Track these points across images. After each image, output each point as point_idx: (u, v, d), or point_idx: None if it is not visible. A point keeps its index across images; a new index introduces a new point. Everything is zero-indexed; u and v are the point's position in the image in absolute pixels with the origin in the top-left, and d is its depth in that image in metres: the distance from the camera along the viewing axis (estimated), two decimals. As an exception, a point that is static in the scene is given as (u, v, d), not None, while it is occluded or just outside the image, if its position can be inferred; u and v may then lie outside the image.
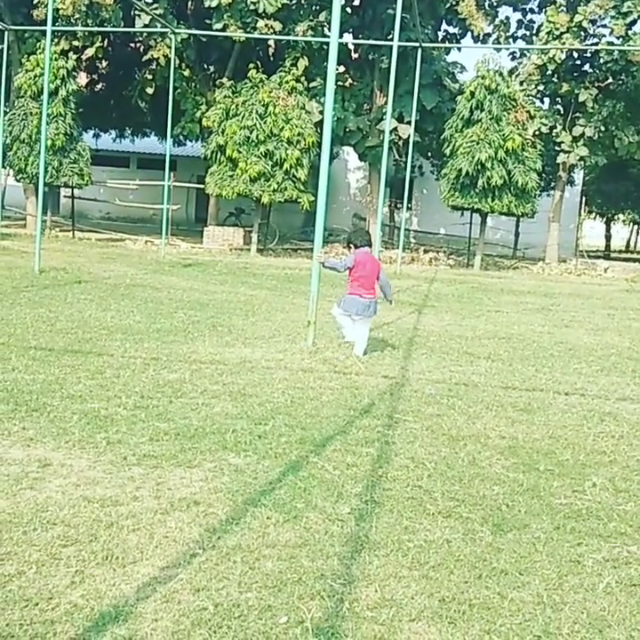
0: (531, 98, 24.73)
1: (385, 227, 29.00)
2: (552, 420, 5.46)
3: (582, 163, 26.50)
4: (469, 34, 25.92)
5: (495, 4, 27.04)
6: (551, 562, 3.17)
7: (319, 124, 19.98)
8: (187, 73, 24.43)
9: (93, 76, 30.29)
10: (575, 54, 25.12)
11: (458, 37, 27.52)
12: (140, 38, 24.75)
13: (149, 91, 24.84)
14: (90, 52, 23.61)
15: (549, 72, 24.83)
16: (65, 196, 29.92)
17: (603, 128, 24.76)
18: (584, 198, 35.54)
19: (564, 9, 24.21)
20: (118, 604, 2.62)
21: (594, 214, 51.17)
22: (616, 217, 53.44)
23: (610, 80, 24.75)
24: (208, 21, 22.95)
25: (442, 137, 22.65)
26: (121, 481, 3.75)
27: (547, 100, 26.99)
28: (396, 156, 26.08)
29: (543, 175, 25.60)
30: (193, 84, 25.11)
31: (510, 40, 27.67)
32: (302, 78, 22.29)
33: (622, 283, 21.18)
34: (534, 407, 5.81)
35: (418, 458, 4.38)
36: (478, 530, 3.43)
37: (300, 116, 21.43)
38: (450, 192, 22.09)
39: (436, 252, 26.15)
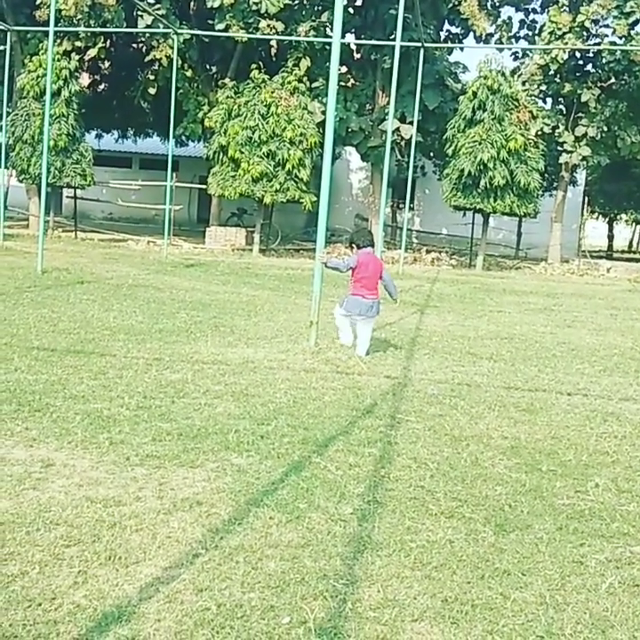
0: (533, 98, 24.69)
1: (387, 227, 28.99)
2: (555, 421, 5.45)
3: (585, 163, 26.48)
4: (472, 34, 25.90)
5: (497, 3, 27.03)
6: (554, 562, 3.17)
7: (321, 125, 19.99)
8: (189, 73, 24.44)
9: (96, 77, 30.32)
10: (578, 54, 25.09)
11: (460, 37, 27.50)
12: (143, 39, 24.77)
13: (152, 91, 24.87)
14: (92, 52, 23.65)
15: (552, 72, 24.81)
16: (67, 197, 29.96)
17: (605, 128, 24.72)
18: (586, 198, 35.48)
19: (567, 9, 24.17)
20: (121, 605, 2.62)
21: (596, 214, 51.10)
22: (619, 217, 53.37)
23: (612, 80, 24.71)
24: (210, 22, 22.96)
25: (444, 137, 22.64)
26: (124, 481, 3.75)
27: (549, 100, 26.96)
28: (399, 157, 26.09)
29: (546, 175, 25.57)
30: (195, 85, 25.12)
31: (513, 40, 27.64)
32: (304, 78, 22.30)
33: (625, 283, 21.15)
34: (537, 407, 5.81)
35: (420, 458, 4.38)
36: (481, 530, 3.43)
37: (302, 116, 21.43)
38: (452, 192, 22.07)
39: (439, 253, 26.14)
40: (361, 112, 25.16)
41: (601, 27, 24.48)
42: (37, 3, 22.07)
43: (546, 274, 23.24)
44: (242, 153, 21.18)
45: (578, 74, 25.37)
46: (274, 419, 4.98)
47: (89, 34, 22.86)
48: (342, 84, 23.93)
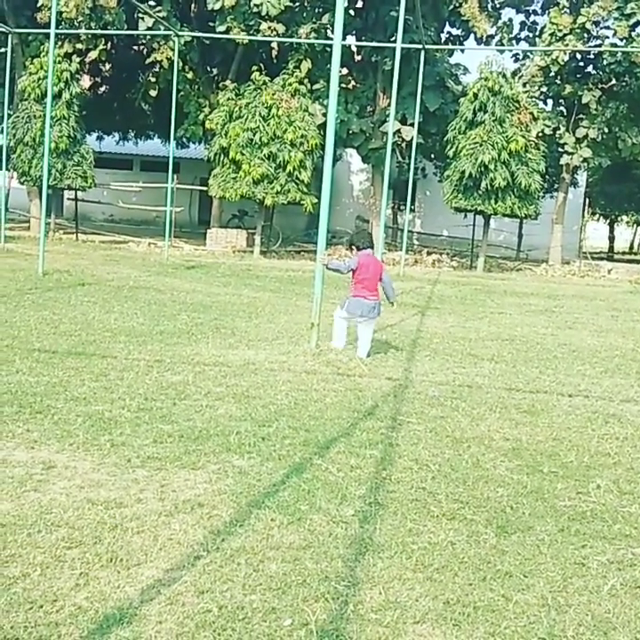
0: (534, 99, 24.68)
1: (388, 229, 28.97)
2: (556, 422, 5.45)
3: (586, 164, 26.46)
4: (472, 35, 25.93)
5: (498, 5, 27.03)
6: (556, 564, 3.17)
7: (322, 127, 19.98)
8: (190, 75, 24.46)
9: (97, 79, 30.34)
10: (578, 56, 25.08)
11: (461, 39, 27.52)
12: (144, 41, 24.78)
13: (152, 93, 24.89)
14: (93, 54, 23.66)
15: (552, 74, 24.80)
16: (68, 199, 29.95)
17: (606, 129, 24.71)
18: (587, 200, 35.48)
19: (567, 10, 24.17)
20: (123, 607, 2.62)
21: (597, 216, 51.06)
22: (619, 218, 53.33)
23: (613, 81, 24.71)
24: (211, 24, 22.99)
25: (445, 139, 22.64)
26: (125, 483, 3.75)
27: (550, 101, 26.94)
28: (399, 158, 26.09)
29: (546, 177, 25.56)
30: (196, 87, 25.15)
31: (513, 42, 27.65)
32: (305, 80, 22.31)
33: (626, 284, 21.15)
34: (538, 409, 5.80)
35: (422, 460, 4.38)
36: (482, 532, 3.43)
37: (303, 118, 21.45)
38: (453, 194, 22.07)
39: (440, 254, 26.15)
40: (362, 114, 25.18)
41: (602, 28, 24.49)
42: (38, 5, 22.09)
43: (547, 275, 23.24)
44: (243, 155, 21.20)
45: (579, 75, 25.37)
46: (275, 420, 4.98)
47: (90, 36, 22.87)
48: (343, 85, 23.95)
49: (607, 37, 24.43)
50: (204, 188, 23.86)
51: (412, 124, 21.46)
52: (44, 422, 4.64)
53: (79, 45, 23.12)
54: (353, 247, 7.75)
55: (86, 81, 28.57)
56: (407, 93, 22.67)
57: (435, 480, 4.06)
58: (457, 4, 24.55)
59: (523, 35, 28.16)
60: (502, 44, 26.78)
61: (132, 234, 25.97)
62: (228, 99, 22.00)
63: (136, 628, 2.50)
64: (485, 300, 14.35)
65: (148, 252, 21.59)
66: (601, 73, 24.77)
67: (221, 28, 22.15)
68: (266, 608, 2.66)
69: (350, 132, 24.54)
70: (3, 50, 21.86)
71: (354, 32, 25.74)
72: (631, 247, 57.56)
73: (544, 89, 25.68)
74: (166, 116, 20.04)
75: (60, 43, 22.25)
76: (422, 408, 5.58)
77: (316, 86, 23.19)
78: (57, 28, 14.43)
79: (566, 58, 24.13)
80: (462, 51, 27.72)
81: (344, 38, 19.69)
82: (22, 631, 2.44)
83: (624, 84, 24.67)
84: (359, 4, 25.23)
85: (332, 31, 14.31)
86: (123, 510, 3.42)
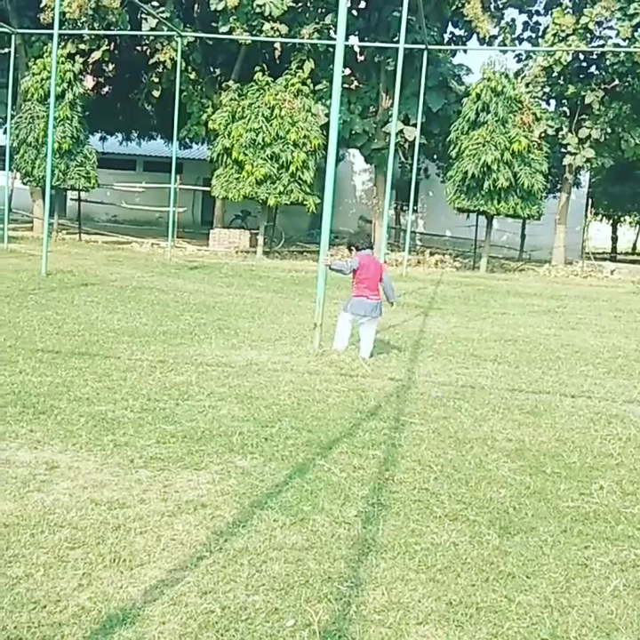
0: (537, 100, 24.65)
1: (391, 229, 28.99)
2: (559, 423, 5.44)
3: (588, 165, 26.42)
4: (475, 36, 25.88)
5: (501, 6, 27.00)
6: (558, 565, 3.16)
7: (325, 127, 19.97)
8: (193, 76, 24.47)
9: (100, 80, 30.36)
10: (581, 56, 25.06)
11: (464, 39, 27.49)
12: (147, 41, 24.78)
13: (156, 94, 24.89)
14: (96, 55, 23.68)
15: (555, 74, 24.78)
16: (71, 199, 30.00)
17: (609, 130, 24.69)
18: (590, 200, 35.43)
19: (570, 11, 24.16)
20: (125, 607, 2.63)
21: (600, 216, 51.01)
22: (622, 219, 53.26)
23: (616, 82, 24.67)
24: (214, 24, 22.98)
25: (448, 139, 22.63)
26: (128, 483, 3.75)
27: (553, 101, 26.91)
28: (402, 159, 26.07)
29: (549, 177, 25.53)
30: (199, 87, 25.15)
31: (516, 42, 27.62)
32: (308, 81, 22.31)
33: (629, 285, 21.11)
34: (541, 410, 5.80)
35: (424, 460, 4.38)
36: (485, 533, 3.43)
37: (305, 118, 21.45)
38: (456, 194, 22.05)
39: (442, 255, 26.14)
40: (365, 114, 25.17)
41: (604, 28, 24.47)
42: (42, 5, 22.11)
43: (550, 276, 23.21)
44: (245, 155, 21.21)
45: (581, 76, 25.35)
46: (278, 421, 4.99)
47: (93, 37, 22.89)
48: (346, 86, 23.97)
49: (610, 38, 24.42)
50: (207, 189, 23.87)
51: (415, 125, 21.44)
52: (47, 422, 4.64)
53: (82, 46, 23.13)
54: (352, 248, 7.81)
55: (89, 81, 28.59)
56: (410, 94, 22.67)
57: (437, 481, 4.06)
58: (460, 5, 24.51)
59: (525, 35, 28.15)
60: (505, 45, 26.74)
61: (135, 234, 25.99)
62: (231, 99, 22.02)
63: (139, 628, 2.50)
64: (488, 300, 14.34)
65: (151, 252, 21.61)
66: (604, 73, 24.75)
67: (224, 29, 22.15)
68: (269, 608, 2.67)
69: (353, 132, 24.53)
70: (6, 50, 21.90)
71: (357, 32, 25.73)
72: (634, 248, 57.47)
73: (547, 89, 25.67)
74: (169, 117, 20.07)
75: (63, 43, 22.29)
76: (425, 409, 5.58)
77: (318, 87, 23.19)
78: (60, 28, 14.48)
79: (569, 58, 24.11)
80: (465, 51, 27.69)
81: (347, 39, 19.69)
82: (25, 631, 2.44)
83: (627, 84, 24.63)
84: (362, 5, 25.24)
85: (335, 31, 14.33)
86: (126, 511, 3.42)
